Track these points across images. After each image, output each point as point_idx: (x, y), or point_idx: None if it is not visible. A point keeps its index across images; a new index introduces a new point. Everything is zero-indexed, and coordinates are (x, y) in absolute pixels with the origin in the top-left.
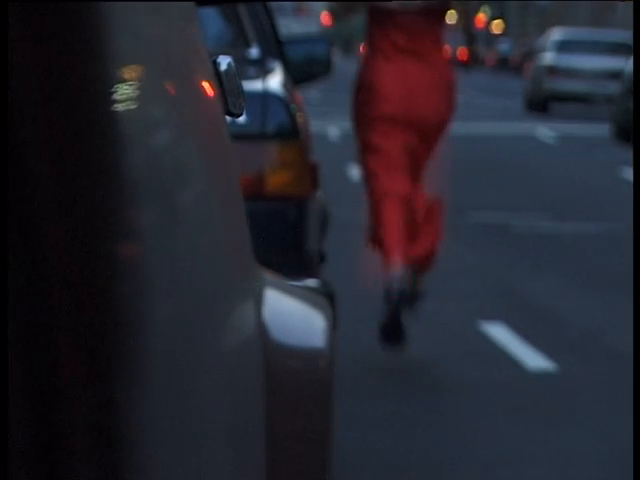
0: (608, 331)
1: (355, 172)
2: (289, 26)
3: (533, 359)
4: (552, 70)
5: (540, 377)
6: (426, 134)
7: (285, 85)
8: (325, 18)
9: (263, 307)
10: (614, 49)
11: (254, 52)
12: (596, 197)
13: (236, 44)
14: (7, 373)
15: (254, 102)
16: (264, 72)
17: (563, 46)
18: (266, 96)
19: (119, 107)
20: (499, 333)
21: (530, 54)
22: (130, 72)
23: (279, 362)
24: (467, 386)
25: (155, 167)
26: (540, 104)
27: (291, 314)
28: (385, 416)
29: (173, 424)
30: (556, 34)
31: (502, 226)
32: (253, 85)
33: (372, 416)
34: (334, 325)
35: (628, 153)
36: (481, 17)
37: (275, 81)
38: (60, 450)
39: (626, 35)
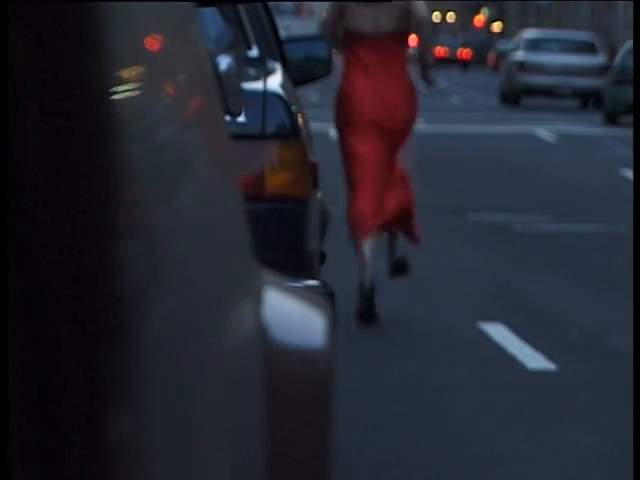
0: (608, 331)
1: None
2: (289, 26)
3: (533, 359)
4: (522, 66)
5: (540, 377)
6: (398, 132)
7: (285, 85)
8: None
9: (263, 307)
10: (578, 47)
11: (254, 52)
12: (596, 197)
13: (236, 44)
14: (7, 373)
15: (254, 102)
16: (264, 72)
17: (532, 45)
18: (266, 96)
19: (119, 107)
20: (499, 333)
21: (504, 53)
22: (130, 72)
23: (279, 362)
24: (467, 386)
25: (155, 167)
26: (513, 97)
27: (291, 314)
28: (385, 416)
29: (173, 423)
30: (526, 34)
31: (502, 226)
32: (253, 85)
33: (372, 416)
34: (334, 325)
35: (628, 152)
36: (481, 17)
37: (275, 81)
38: (60, 449)
39: (588, 35)
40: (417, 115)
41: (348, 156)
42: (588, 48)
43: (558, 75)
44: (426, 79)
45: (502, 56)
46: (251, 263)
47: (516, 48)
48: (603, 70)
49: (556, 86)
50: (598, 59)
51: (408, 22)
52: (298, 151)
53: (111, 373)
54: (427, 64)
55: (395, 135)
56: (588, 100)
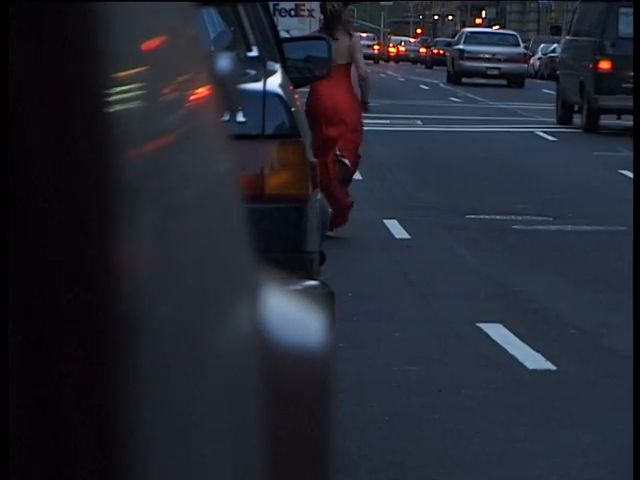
0: (608, 331)
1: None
2: (289, 26)
3: (532, 359)
4: (462, 54)
5: (539, 377)
6: (346, 124)
7: (285, 85)
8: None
9: (262, 307)
10: (503, 40)
11: (254, 52)
12: (596, 197)
13: (236, 44)
14: (7, 373)
15: (254, 102)
16: (264, 72)
17: (470, 38)
18: (266, 96)
19: (118, 107)
20: (498, 333)
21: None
22: (130, 72)
23: (278, 362)
24: (466, 386)
25: (154, 167)
26: (455, 78)
27: (290, 314)
28: (385, 416)
29: (173, 423)
30: (465, 30)
31: (502, 226)
32: (253, 85)
33: (372, 416)
34: (333, 325)
35: (629, 153)
36: (480, 19)
37: (275, 81)
38: (60, 449)
39: (512, 32)
40: (360, 113)
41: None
42: (512, 41)
43: (489, 61)
44: (364, 108)
45: None
46: (251, 263)
47: (459, 41)
48: (523, 58)
49: (487, 69)
50: (519, 49)
51: (352, 56)
52: (298, 151)
53: (111, 373)
54: (365, 102)
55: (345, 126)
56: (511, 81)
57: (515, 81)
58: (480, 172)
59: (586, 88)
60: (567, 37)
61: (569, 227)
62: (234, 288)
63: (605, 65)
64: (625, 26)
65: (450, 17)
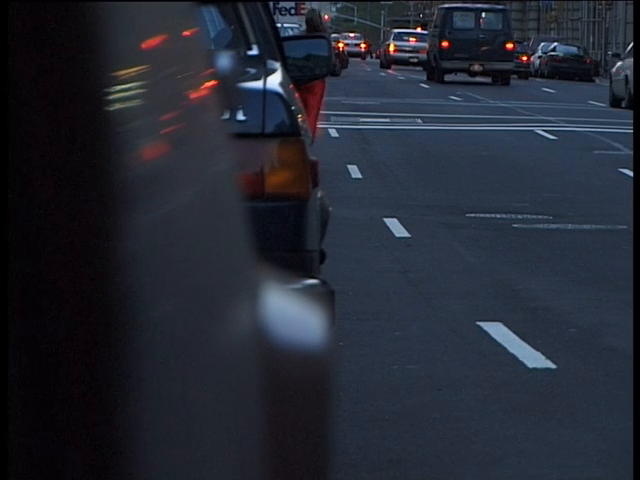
0: (608, 329)
1: (356, 170)
2: (289, 26)
3: (532, 358)
4: (392, 48)
5: (539, 376)
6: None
7: (285, 84)
8: (325, 17)
9: (262, 307)
10: (420, 38)
11: (254, 51)
12: (596, 195)
13: (236, 44)
14: (7, 373)
15: (254, 101)
16: (264, 71)
17: (397, 36)
18: (266, 95)
19: (119, 106)
20: (499, 332)
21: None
22: (130, 71)
23: (278, 362)
24: (467, 385)
25: (153, 166)
26: (387, 65)
27: (290, 314)
28: (384, 414)
29: (173, 423)
30: (393, 31)
31: (502, 225)
32: (253, 84)
33: (372, 415)
34: (333, 324)
35: (629, 151)
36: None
37: (275, 80)
38: (60, 450)
39: (426, 32)
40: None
41: None
42: (423, 37)
43: (410, 52)
44: None
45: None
46: (250, 262)
47: (389, 38)
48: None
49: (410, 58)
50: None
51: None
52: (298, 150)
53: (111, 373)
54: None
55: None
56: (424, 66)
57: (426, 66)
58: (480, 171)
59: (437, 58)
60: (430, 29)
61: (569, 226)
62: (234, 287)
63: (445, 44)
64: (456, 22)
65: None
